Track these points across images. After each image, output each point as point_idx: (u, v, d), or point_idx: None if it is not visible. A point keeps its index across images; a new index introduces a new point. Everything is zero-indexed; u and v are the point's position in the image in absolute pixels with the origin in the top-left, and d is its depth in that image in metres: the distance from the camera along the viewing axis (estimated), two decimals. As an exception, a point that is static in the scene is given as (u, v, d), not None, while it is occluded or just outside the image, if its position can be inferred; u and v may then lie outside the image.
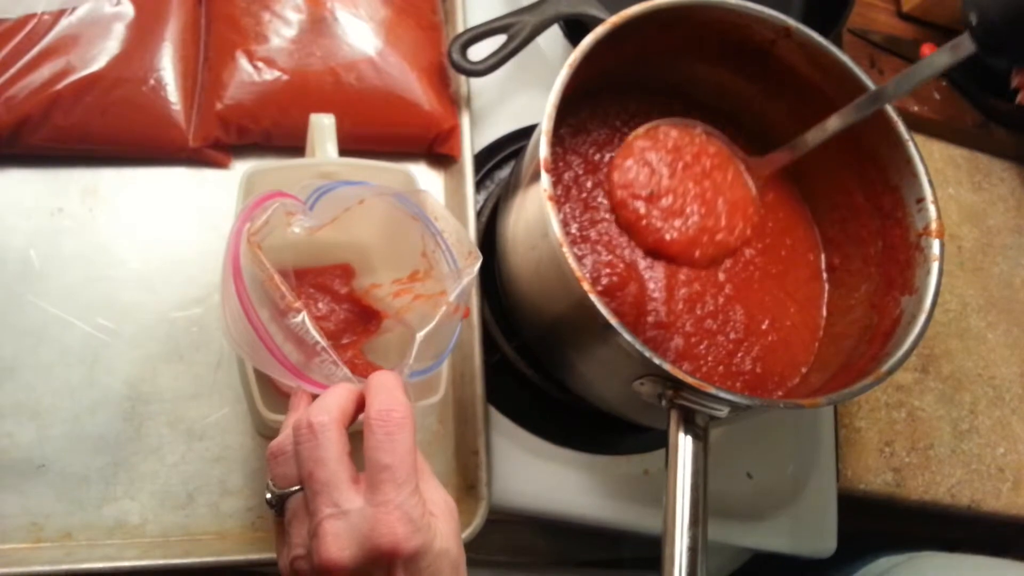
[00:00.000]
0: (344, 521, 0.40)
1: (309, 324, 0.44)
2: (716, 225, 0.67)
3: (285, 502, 0.43)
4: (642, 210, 0.65)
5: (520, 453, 0.68)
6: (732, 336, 0.68)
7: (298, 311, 0.44)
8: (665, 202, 0.65)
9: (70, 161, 0.62)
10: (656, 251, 0.66)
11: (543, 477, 0.68)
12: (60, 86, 0.59)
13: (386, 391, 0.43)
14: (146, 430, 0.59)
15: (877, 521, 0.81)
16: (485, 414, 0.64)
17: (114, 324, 0.60)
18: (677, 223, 0.65)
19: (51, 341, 0.59)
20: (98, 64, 0.60)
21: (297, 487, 0.42)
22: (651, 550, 0.89)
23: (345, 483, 0.41)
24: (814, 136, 0.65)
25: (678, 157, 0.67)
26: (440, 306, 0.48)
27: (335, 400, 0.43)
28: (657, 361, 0.53)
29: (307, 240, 0.51)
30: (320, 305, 0.53)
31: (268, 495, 0.44)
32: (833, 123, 0.64)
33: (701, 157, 0.68)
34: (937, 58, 0.58)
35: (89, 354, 0.59)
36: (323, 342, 0.44)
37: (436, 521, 0.42)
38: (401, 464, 0.41)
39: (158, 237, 0.63)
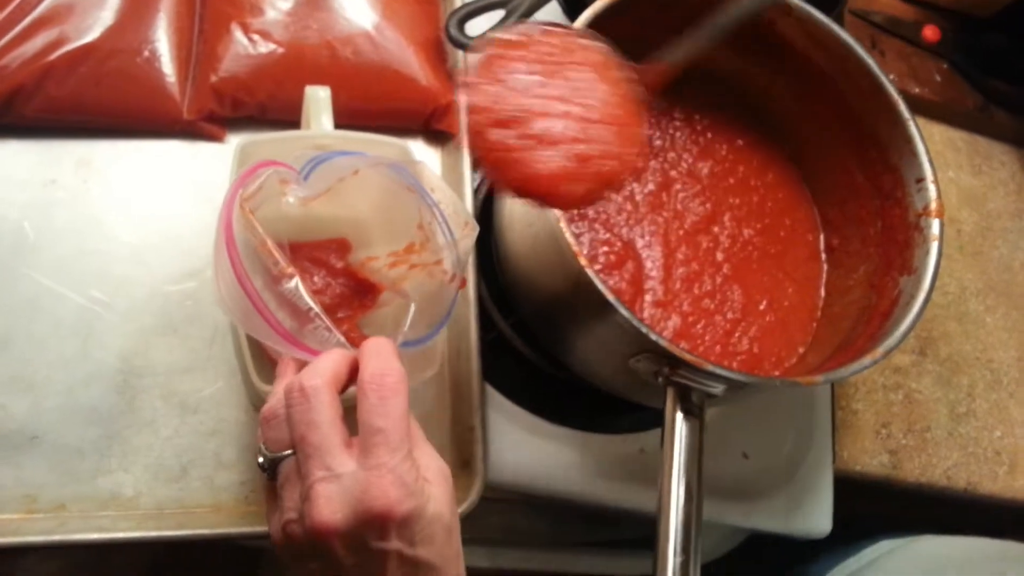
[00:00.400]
0: (336, 484, 0.40)
1: (302, 290, 0.43)
2: (599, 151, 0.50)
3: (277, 466, 0.43)
4: (505, 139, 0.48)
5: (516, 430, 0.68)
6: (729, 316, 0.68)
7: (291, 276, 0.44)
8: (535, 127, 0.47)
9: (64, 132, 0.62)
10: (526, 188, 0.49)
11: (538, 455, 0.68)
12: (53, 56, 0.59)
13: (380, 356, 0.43)
14: (140, 403, 0.59)
15: (874, 504, 0.81)
16: (481, 390, 0.64)
17: (108, 297, 0.60)
18: (549, 153, 0.48)
19: (45, 313, 0.59)
20: (92, 35, 0.60)
21: (289, 451, 0.42)
22: (649, 530, 0.90)
23: (337, 446, 0.41)
24: (700, 36, 0.54)
25: (547, 70, 0.50)
26: (435, 275, 0.47)
27: (328, 364, 0.43)
28: (653, 337, 0.53)
29: (302, 214, 0.51)
30: (316, 279, 0.52)
31: (260, 459, 0.43)
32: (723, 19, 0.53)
33: (574, 68, 0.51)
34: None
35: (83, 327, 0.59)
36: (317, 308, 0.44)
37: (430, 486, 0.42)
38: (395, 428, 0.41)
39: (152, 210, 0.62)
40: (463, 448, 0.64)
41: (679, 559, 0.51)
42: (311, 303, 0.44)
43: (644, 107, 0.52)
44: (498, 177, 0.48)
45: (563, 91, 0.49)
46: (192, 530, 0.56)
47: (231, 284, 0.44)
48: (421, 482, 0.42)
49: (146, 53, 0.61)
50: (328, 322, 0.45)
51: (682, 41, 0.54)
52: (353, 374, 0.44)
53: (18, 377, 0.58)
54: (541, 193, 0.48)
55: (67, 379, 0.58)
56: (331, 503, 0.40)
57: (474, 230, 0.49)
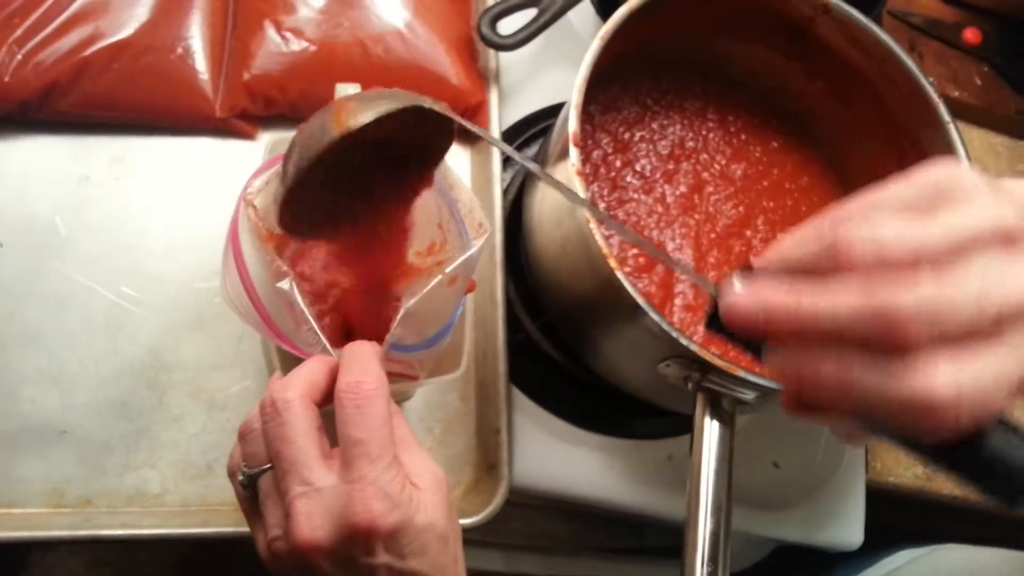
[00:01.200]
0: (317, 499, 0.39)
1: (295, 290, 0.43)
2: None
3: (257, 482, 0.42)
4: None
5: (542, 434, 0.68)
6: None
7: (285, 275, 0.43)
8: None
9: (97, 129, 0.62)
10: None
11: (565, 459, 0.68)
12: (88, 52, 0.59)
13: (358, 362, 0.41)
14: (168, 399, 0.59)
15: (906, 516, 0.80)
16: (507, 393, 0.64)
17: (138, 293, 0.60)
18: None
19: (75, 308, 0.59)
20: (127, 31, 0.60)
21: (267, 466, 0.41)
22: (674, 538, 0.88)
23: (315, 459, 0.39)
24: None
25: None
26: (433, 277, 0.46)
27: (304, 374, 0.41)
28: (684, 342, 0.52)
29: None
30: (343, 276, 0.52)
31: (240, 476, 0.42)
32: None
33: None
34: None
35: (113, 322, 0.59)
36: (307, 310, 0.43)
37: (419, 494, 0.40)
38: (374, 438, 0.39)
39: (183, 207, 0.63)
40: (488, 451, 0.63)
41: (707, 569, 0.50)
42: (302, 305, 0.43)
43: None
44: None
45: None
46: (217, 527, 0.56)
47: (235, 280, 0.44)
48: (408, 491, 0.40)
49: (180, 50, 0.61)
50: (315, 325, 0.43)
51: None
52: (335, 381, 0.42)
53: (47, 371, 0.58)
54: None
55: (96, 374, 0.58)
56: (312, 520, 0.38)
57: (486, 232, 0.48)
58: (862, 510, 0.73)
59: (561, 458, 0.68)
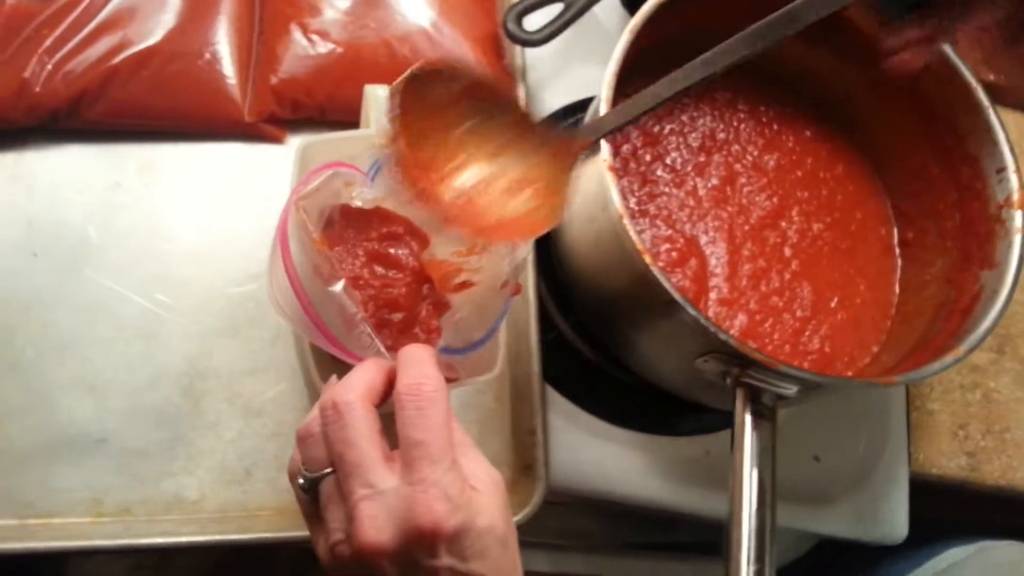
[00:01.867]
0: (380, 502, 0.38)
1: (347, 293, 0.42)
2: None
3: (318, 486, 0.41)
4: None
5: (577, 433, 0.67)
6: (799, 314, 0.66)
7: (337, 279, 0.43)
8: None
9: (127, 136, 0.62)
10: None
11: (601, 458, 0.67)
12: (117, 60, 0.59)
13: (415, 364, 0.41)
14: (204, 405, 0.59)
15: (950, 508, 0.78)
16: (542, 393, 0.63)
17: (171, 299, 0.60)
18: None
19: (109, 316, 0.59)
20: (154, 38, 0.60)
21: (328, 469, 0.41)
22: (709, 534, 0.88)
23: (378, 462, 0.39)
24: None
25: None
26: (488, 280, 0.46)
27: (362, 377, 0.41)
28: (723, 336, 0.51)
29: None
30: (390, 274, 0.52)
31: (301, 480, 0.42)
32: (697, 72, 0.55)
33: None
34: None
35: (147, 329, 0.59)
36: (360, 313, 0.43)
37: (479, 497, 0.40)
38: (435, 440, 0.39)
39: (214, 212, 0.63)
40: (524, 452, 0.63)
41: (753, 568, 0.49)
42: (354, 307, 0.43)
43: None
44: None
45: None
46: (255, 533, 0.56)
47: (284, 286, 0.44)
48: (468, 493, 0.40)
49: (207, 55, 0.61)
50: (370, 328, 0.43)
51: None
52: (392, 384, 0.42)
53: (82, 379, 0.58)
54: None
55: (132, 381, 0.58)
56: (376, 522, 0.38)
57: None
58: (906, 503, 0.71)
59: (597, 456, 0.67)
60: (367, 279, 0.50)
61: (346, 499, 0.39)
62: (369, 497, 0.39)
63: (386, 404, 0.42)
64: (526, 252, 0.46)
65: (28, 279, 0.59)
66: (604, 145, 0.53)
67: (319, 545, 0.42)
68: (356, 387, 0.41)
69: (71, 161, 0.61)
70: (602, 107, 0.54)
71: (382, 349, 0.43)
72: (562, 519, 0.79)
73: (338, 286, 0.43)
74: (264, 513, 0.58)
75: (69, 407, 0.57)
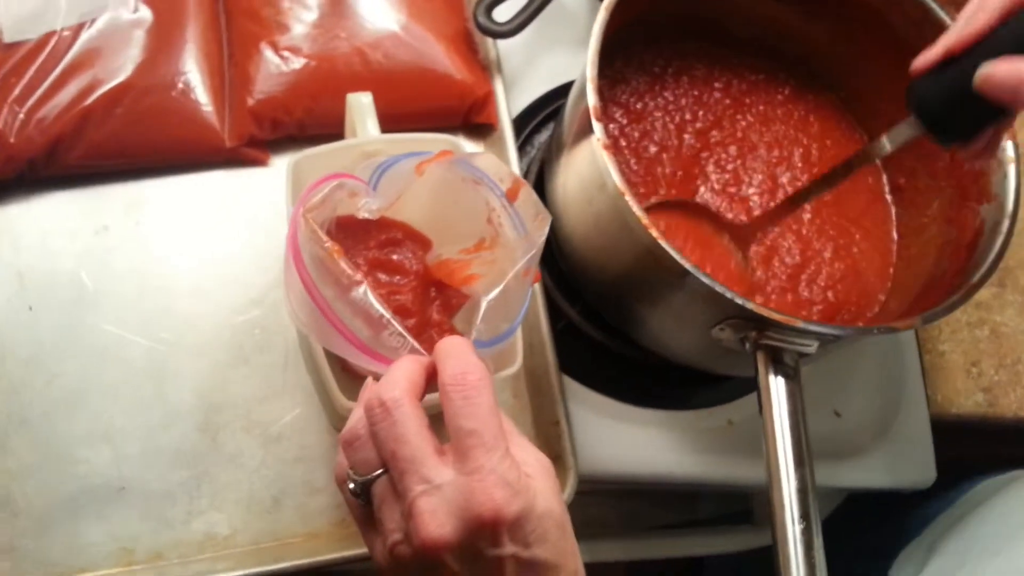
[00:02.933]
0: (438, 496, 0.38)
1: (371, 296, 0.42)
2: None
3: (370, 488, 0.41)
4: None
5: (599, 418, 0.66)
6: (788, 261, 0.66)
7: (359, 284, 0.42)
8: None
9: (110, 177, 0.61)
10: None
11: (626, 440, 0.66)
12: (89, 101, 0.58)
13: (457, 355, 0.41)
14: (222, 439, 0.58)
15: (973, 445, 0.79)
16: (560, 383, 0.63)
17: (175, 336, 0.59)
18: None
19: (115, 361, 0.58)
20: (124, 74, 0.59)
21: (380, 471, 0.40)
22: (731, 506, 0.88)
23: (431, 456, 0.39)
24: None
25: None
26: (506, 271, 0.46)
27: (403, 373, 0.41)
28: (740, 301, 0.51)
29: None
30: (397, 279, 0.51)
31: (351, 485, 0.41)
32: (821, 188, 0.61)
33: (688, 239, 0.64)
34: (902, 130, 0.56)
35: (155, 369, 0.58)
36: (387, 314, 0.42)
37: (533, 482, 0.40)
38: (487, 427, 0.38)
39: (207, 243, 0.61)
40: (550, 444, 0.62)
41: (799, 527, 0.49)
42: (381, 309, 0.43)
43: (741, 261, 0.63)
44: None
45: None
46: (291, 561, 0.55)
47: (302, 298, 0.43)
48: (524, 479, 0.39)
49: (180, 85, 0.60)
50: (400, 327, 0.43)
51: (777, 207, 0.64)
52: (430, 379, 0.42)
53: (96, 429, 0.57)
54: None
55: (146, 424, 0.57)
56: (436, 516, 0.38)
57: (546, 220, 0.47)
58: (931, 446, 0.72)
59: (621, 439, 0.67)
60: (373, 288, 0.49)
61: (402, 497, 0.39)
62: (427, 492, 0.38)
63: (428, 401, 0.41)
64: (542, 237, 0.46)
65: (27, 334, 0.58)
66: (597, 124, 0.53)
67: (375, 549, 0.41)
68: (400, 383, 0.40)
69: (55, 209, 0.60)
70: (589, 87, 0.54)
71: (416, 345, 0.42)
72: (575, 509, 0.78)
73: (361, 290, 0.42)
74: (297, 539, 0.57)
75: (86, 458, 0.56)
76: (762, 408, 0.53)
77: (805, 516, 0.49)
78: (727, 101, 0.71)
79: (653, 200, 0.64)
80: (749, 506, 0.85)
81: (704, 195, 0.66)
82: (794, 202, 0.63)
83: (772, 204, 0.66)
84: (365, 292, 0.43)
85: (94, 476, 0.56)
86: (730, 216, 0.66)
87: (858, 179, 0.71)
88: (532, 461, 0.41)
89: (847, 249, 0.68)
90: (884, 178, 0.71)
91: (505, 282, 0.45)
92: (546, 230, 0.46)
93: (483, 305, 0.44)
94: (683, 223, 0.64)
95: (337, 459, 0.43)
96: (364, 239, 0.52)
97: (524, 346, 0.64)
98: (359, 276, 0.43)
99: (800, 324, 0.51)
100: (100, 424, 0.57)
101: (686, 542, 0.83)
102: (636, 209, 0.51)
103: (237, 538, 0.57)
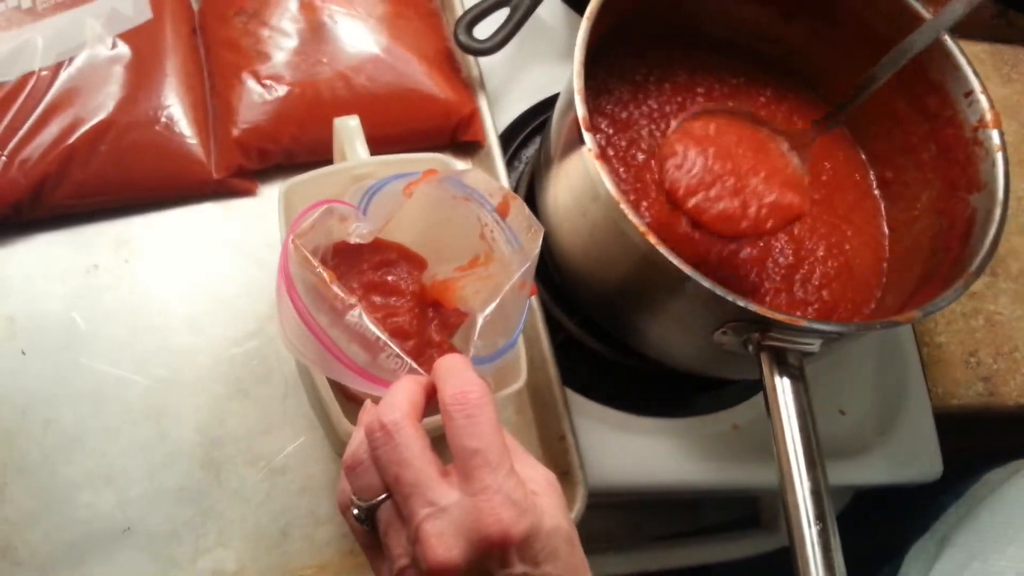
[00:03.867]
0: (444, 518, 0.37)
1: (366, 319, 0.41)
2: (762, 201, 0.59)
3: (375, 514, 0.40)
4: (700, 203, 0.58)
5: (604, 430, 0.66)
6: (781, 261, 0.66)
7: (353, 307, 0.41)
8: (714, 191, 0.58)
9: (96, 216, 0.60)
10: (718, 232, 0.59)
11: (632, 450, 0.66)
12: (72, 139, 0.57)
13: (456, 374, 0.40)
14: (225, 474, 0.57)
15: (978, 439, 0.79)
16: (563, 396, 0.62)
17: (172, 372, 0.58)
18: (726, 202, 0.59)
19: (112, 401, 0.57)
20: (106, 111, 0.58)
21: (384, 495, 0.39)
22: (731, 512, 0.88)
23: (435, 479, 0.38)
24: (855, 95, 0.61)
25: (720, 148, 0.60)
26: (502, 286, 0.45)
27: (402, 395, 0.40)
28: (741, 303, 0.50)
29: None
30: (393, 301, 0.50)
31: (355, 511, 0.40)
32: (875, 78, 0.60)
33: (740, 143, 0.61)
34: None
35: (153, 408, 0.57)
36: (383, 336, 0.42)
37: (539, 499, 0.39)
38: (490, 446, 0.38)
39: (199, 276, 0.61)
40: (557, 459, 0.62)
41: (816, 528, 0.49)
42: (377, 332, 0.42)
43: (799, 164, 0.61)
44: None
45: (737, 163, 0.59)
46: (302, 594, 0.54)
47: (297, 327, 0.42)
48: (531, 497, 0.39)
49: (163, 119, 0.59)
50: (397, 349, 0.42)
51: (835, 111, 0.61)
52: (430, 399, 0.41)
53: (97, 472, 0.56)
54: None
55: (147, 464, 0.56)
56: (444, 540, 0.37)
57: (539, 232, 0.47)
58: (936, 439, 0.72)
59: (627, 450, 0.66)
60: (368, 311, 0.49)
61: (408, 521, 0.38)
62: (433, 515, 0.37)
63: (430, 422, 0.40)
64: (536, 249, 0.46)
65: (20, 379, 0.57)
66: (587, 135, 0.53)
67: (382, 574, 0.40)
68: (400, 405, 0.39)
69: (43, 251, 0.59)
70: (576, 99, 0.54)
71: (414, 365, 0.42)
72: (580, 527, 0.78)
73: (356, 313, 0.41)
74: (307, 572, 0.56)
75: (87, 502, 0.55)
76: (770, 411, 0.52)
77: (821, 517, 0.49)
78: (711, 106, 0.71)
79: (698, 108, 0.63)
80: (754, 511, 0.84)
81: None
82: (858, 92, 0.61)
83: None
84: (360, 315, 0.42)
85: (97, 520, 0.55)
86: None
87: (845, 175, 0.71)
88: (538, 478, 0.41)
89: (839, 247, 0.68)
90: (871, 174, 0.72)
91: (501, 296, 0.44)
92: (539, 242, 0.46)
93: (479, 321, 0.44)
94: (734, 127, 0.61)
95: (340, 485, 0.42)
96: (359, 262, 0.52)
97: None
98: (353, 300, 0.42)
99: (804, 323, 0.51)
100: (101, 466, 0.56)
101: (693, 551, 0.82)
102: (632, 217, 0.51)
103: (245, 574, 0.55)
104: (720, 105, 0.65)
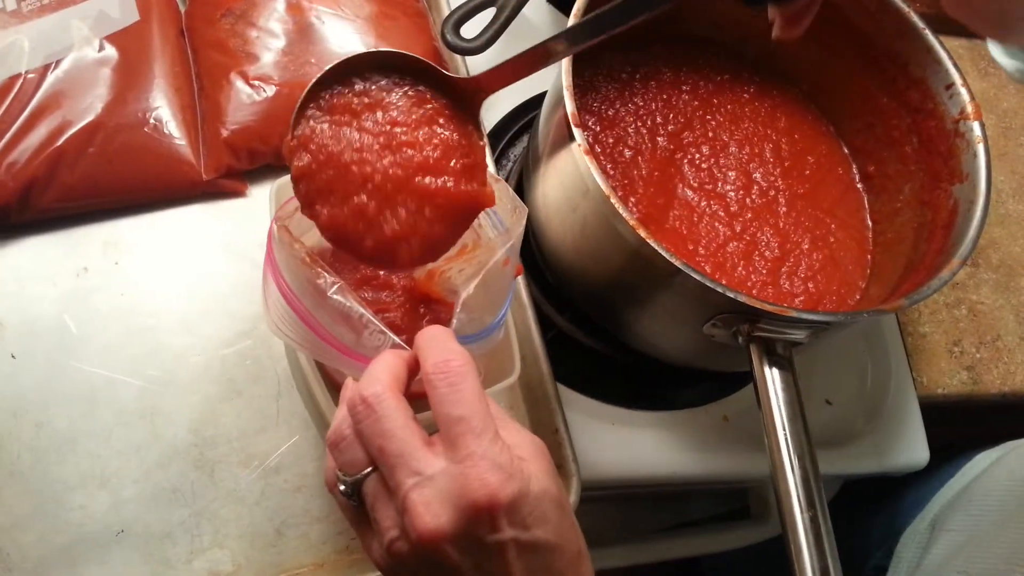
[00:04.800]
0: (431, 487, 0.37)
1: (348, 294, 0.41)
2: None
3: (361, 488, 0.40)
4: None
5: (596, 424, 0.67)
6: (768, 255, 0.67)
7: (334, 284, 0.41)
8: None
9: (86, 218, 0.60)
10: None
11: (624, 443, 0.67)
12: (60, 142, 0.57)
13: (437, 343, 0.40)
14: (220, 474, 0.57)
15: (964, 428, 0.80)
16: (556, 391, 0.62)
17: (165, 373, 0.58)
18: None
19: (105, 403, 0.57)
20: (94, 113, 0.58)
21: (369, 469, 0.39)
22: (720, 504, 0.88)
23: (420, 448, 0.38)
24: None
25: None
26: (485, 263, 0.45)
27: (383, 368, 0.40)
28: (731, 294, 0.51)
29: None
30: (385, 296, 0.51)
31: (341, 487, 0.40)
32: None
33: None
34: None
35: (146, 408, 0.57)
36: (366, 312, 0.42)
37: (527, 464, 0.39)
38: (474, 413, 0.38)
39: (190, 277, 0.61)
40: (551, 453, 0.61)
41: (807, 515, 0.49)
42: (359, 307, 0.42)
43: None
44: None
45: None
46: (299, 593, 0.54)
47: (282, 310, 0.42)
48: (517, 462, 0.39)
49: (152, 121, 0.59)
50: (380, 324, 0.42)
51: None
52: (413, 373, 0.41)
53: (91, 473, 0.56)
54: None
55: (141, 465, 0.56)
56: (431, 508, 0.37)
57: (523, 213, 0.47)
58: (922, 427, 0.73)
59: (619, 443, 0.67)
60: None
61: (395, 493, 0.38)
62: (419, 485, 0.37)
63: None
64: (520, 229, 0.46)
65: (10, 382, 0.56)
66: (576, 131, 0.53)
67: (372, 549, 0.40)
68: (381, 378, 0.39)
69: (32, 254, 0.59)
70: (566, 95, 0.54)
71: (397, 340, 0.42)
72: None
73: (337, 287, 0.41)
74: (304, 570, 0.56)
75: (80, 504, 0.55)
76: (760, 400, 0.53)
77: (812, 505, 0.50)
78: (695, 103, 0.71)
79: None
80: (744, 502, 0.85)
81: (683, 192, 0.66)
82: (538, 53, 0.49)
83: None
84: (342, 290, 0.42)
85: (91, 522, 0.55)
86: (708, 214, 0.66)
87: (828, 170, 0.72)
88: (524, 443, 0.41)
89: (824, 239, 0.69)
90: (854, 167, 0.72)
91: (484, 272, 0.44)
92: (524, 222, 0.46)
93: (462, 295, 0.43)
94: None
95: (325, 463, 0.42)
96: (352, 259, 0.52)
97: (517, 357, 0.64)
98: (334, 277, 0.42)
99: (792, 313, 0.52)
100: (94, 469, 0.56)
101: (684, 543, 0.82)
102: (622, 211, 0.52)
103: (241, 574, 0.55)
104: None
